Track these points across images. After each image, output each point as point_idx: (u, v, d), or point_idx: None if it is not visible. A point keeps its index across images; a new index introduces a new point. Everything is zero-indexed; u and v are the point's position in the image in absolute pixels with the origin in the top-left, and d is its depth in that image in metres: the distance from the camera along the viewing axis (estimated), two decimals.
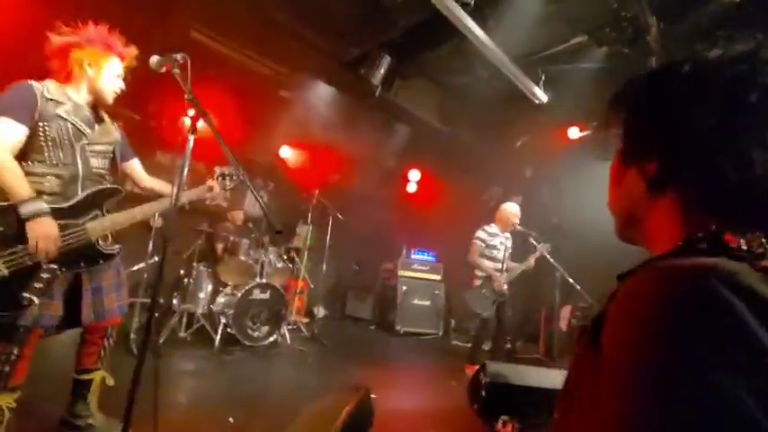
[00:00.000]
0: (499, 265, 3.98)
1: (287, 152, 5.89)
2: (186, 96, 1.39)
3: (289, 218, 5.53)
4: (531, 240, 4.04)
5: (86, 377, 1.87)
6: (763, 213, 0.44)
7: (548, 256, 3.94)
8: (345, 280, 6.97)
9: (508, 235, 4.12)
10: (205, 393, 2.79)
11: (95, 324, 1.80)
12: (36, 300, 1.53)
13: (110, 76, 1.76)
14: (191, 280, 4.06)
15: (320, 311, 5.70)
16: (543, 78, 3.89)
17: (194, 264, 4.13)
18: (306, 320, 5.29)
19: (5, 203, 1.52)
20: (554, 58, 3.79)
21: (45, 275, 1.55)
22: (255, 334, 3.90)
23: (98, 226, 1.72)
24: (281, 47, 3.78)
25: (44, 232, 1.51)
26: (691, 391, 0.32)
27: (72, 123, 1.66)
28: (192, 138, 1.38)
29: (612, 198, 0.61)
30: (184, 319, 4.01)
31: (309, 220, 5.37)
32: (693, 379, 0.33)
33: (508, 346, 4.35)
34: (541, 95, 3.95)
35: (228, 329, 3.78)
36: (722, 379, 0.32)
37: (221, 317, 3.83)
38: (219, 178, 1.95)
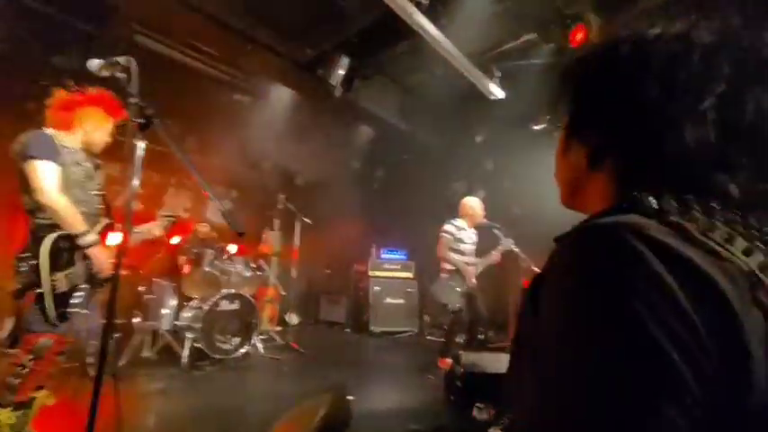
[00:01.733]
0: (467, 258, 4.06)
1: (247, 158, 5.72)
2: (131, 100, 1.32)
3: (255, 225, 5.39)
4: (496, 232, 4.15)
5: (31, 395, 1.85)
6: (693, 182, 0.46)
7: (515, 249, 4.06)
8: (317, 284, 6.88)
9: (474, 230, 4.22)
10: (175, 412, 2.66)
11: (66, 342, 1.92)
12: (76, 312, 1.84)
13: (103, 134, 2.07)
14: (151, 296, 3.88)
15: (293, 318, 5.59)
16: (499, 75, 4.01)
17: (154, 279, 3.94)
18: (278, 329, 5.17)
19: (63, 233, 1.80)
20: (507, 55, 3.92)
21: (81, 293, 1.88)
22: (226, 347, 3.77)
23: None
24: (235, 50, 3.68)
25: (104, 255, 1.90)
26: (611, 330, 0.35)
27: (83, 167, 1.97)
28: (139, 145, 1.31)
29: (558, 168, 0.64)
30: (148, 338, 3.82)
31: (277, 227, 5.27)
32: (612, 318, 0.36)
33: (481, 336, 4.44)
34: (497, 92, 4.07)
35: (196, 344, 3.63)
36: (638, 314, 0.34)
37: (188, 332, 3.67)
38: (162, 218, 2.34)
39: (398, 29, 3.21)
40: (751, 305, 0.35)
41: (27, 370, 1.73)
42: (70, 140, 1.96)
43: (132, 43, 3.54)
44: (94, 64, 1.47)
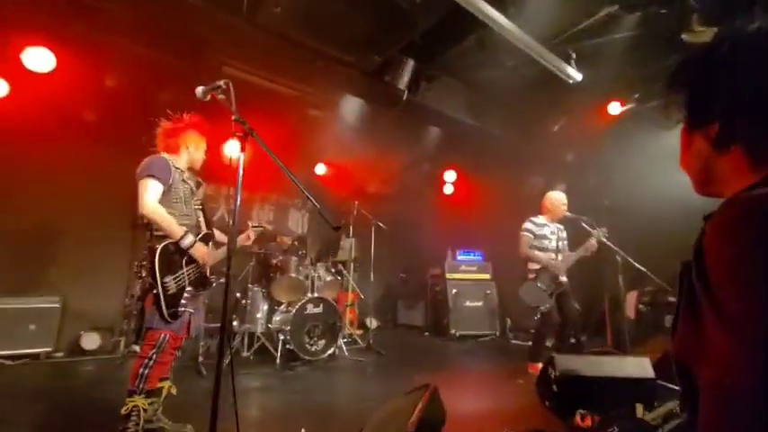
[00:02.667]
0: (552, 255, 3.81)
1: (322, 169, 6.03)
2: (234, 117, 1.48)
3: (331, 232, 5.62)
4: (584, 225, 3.83)
5: (158, 385, 2.15)
6: None
7: (605, 241, 3.71)
8: (394, 289, 6.96)
9: (561, 226, 3.95)
10: (274, 407, 2.86)
11: (180, 338, 2.21)
12: (181, 312, 2.08)
13: (201, 152, 2.38)
14: (247, 301, 4.23)
15: (372, 322, 5.71)
16: (574, 57, 3.73)
17: (249, 285, 4.30)
18: (359, 332, 5.31)
19: (169, 241, 2.06)
20: (583, 34, 3.64)
21: (187, 295, 2.12)
22: (313, 348, 3.97)
23: (211, 260, 2.28)
24: (306, 67, 3.91)
25: (203, 250, 2.17)
26: None
27: (189, 185, 2.28)
28: (242, 157, 1.45)
29: (684, 161, 0.71)
30: (245, 340, 4.17)
31: (351, 233, 5.45)
32: None
33: (572, 340, 4.10)
34: (575, 74, 3.79)
35: (288, 346, 3.88)
36: None
37: (279, 334, 3.94)
38: (253, 227, 2.66)
39: (464, 24, 3.16)
40: None
41: (153, 361, 2.02)
42: (178, 162, 2.26)
43: (220, 73, 3.95)
44: (200, 90, 1.67)
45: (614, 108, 4.43)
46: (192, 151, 2.32)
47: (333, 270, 4.80)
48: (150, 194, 2.02)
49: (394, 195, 6.84)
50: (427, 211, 6.88)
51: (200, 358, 3.65)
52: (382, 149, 5.85)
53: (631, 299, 4.50)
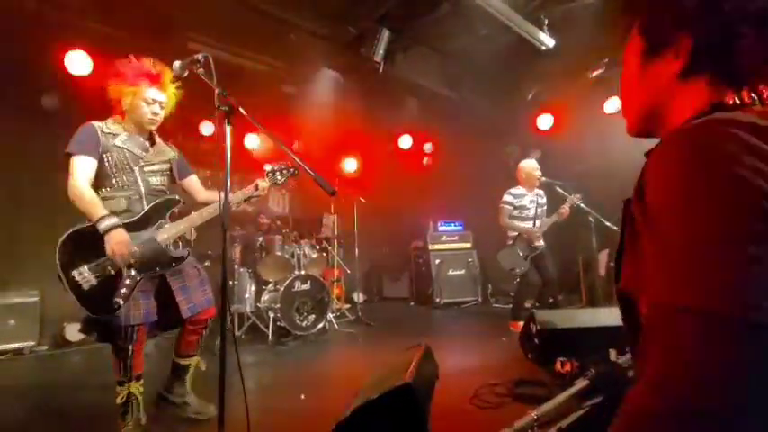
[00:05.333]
0: (530, 224, 3.98)
1: (298, 147, 5.95)
2: (217, 92, 1.45)
3: (313, 210, 5.63)
4: (559, 190, 4.00)
5: (186, 362, 2.11)
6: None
7: (580, 204, 3.90)
8: (378, 263, 7.08)
9: (540, 192, 4.11)
10: (272, 379, 2.95)
11: (195, 317, 2.03)
12: (122, 303, 1.79)
13: (141, 106, 1.93)
14: (235, 282, 4.25)
15: (359, 296, 5.83)
16: (546, 23, 3.78)
17: (236, 267, 4.30)
18: (347, 306, 5.43)
19: (88, 225, 1.81)
20: (555, 1, 3.68)
21: (127, 281, 1.82)
22: (304, 323, 4.05)
23: (165, 233, 1.95)
24: (278, 41, 3.80)
25: (117, 239, 1.77)
26: (728, 189, 0.43)
27: (128, 150, 1.93)
28: (229, 129, 1.44)
29: (633, 95, 0.66)
30: (236, 320, 4.21)
31: (333, 209, 5.47)
32: (728, 182, 0.43)
33: (551, 300, 4.35)
34: (547, 40, 3.85)
35: (278, 323, 3.94)
36: (745, 177, 0.42)
37: (269, 312, 4.00)
38: (270, 174, 2.15)
39: None
40: None
41: (130, 352, 1.85)
42: (127, 124, 1.95)
43: (187, 50, 3.79)
44: (177, 66, 1.62)
45: (586, 74, 4.53)
46: (126, 109, 1.92)
47: (318, 247, 4.84)
48: (75, 176, 1.78)
49: (374, 169, 6.85)
50: (408, 184, 6.94)
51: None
52: (359, 123, 5.81)
53: (603, 257, 4.75)
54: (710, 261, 0.41)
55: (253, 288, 4.43)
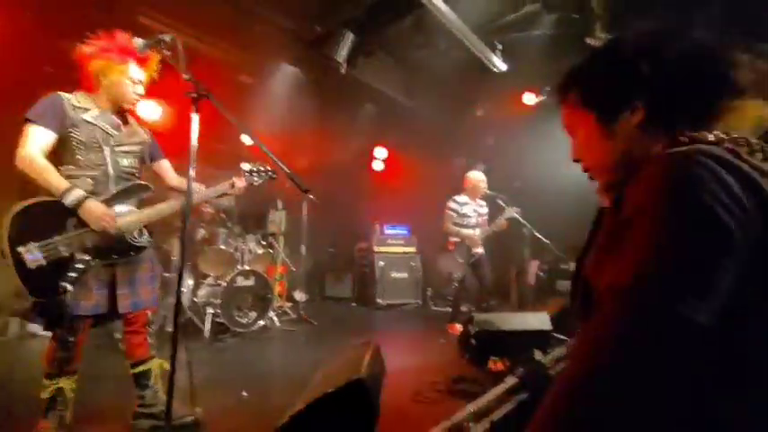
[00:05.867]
0: (471, 231, 4.25)
1: (250, 140, 5.76)
2: (184, 77, 1.41)
3: (261, 205, 5.48)
4: (500, 202, 4.32)
5: (143, 368, 1.94)
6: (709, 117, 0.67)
7: (518, 217, 4.24)
8: (322, 262, 7.03)
9: (482, 203, 4.39)
10: (209, 377, 2.82)
11: (133, 315, 1.88)
12: (69, 287, 1.64)
13: (125, 84, 1.83)
14: (171, 274, 4.00)
15: (301, 295, 5.77)
16: (500, 47, 4.07)
17: (172, 259, 4.06)
18: (289, 304, 5.34)
19: (42, 199, 1.66)
20: (508, 27, 3.98)
21: (78, 266, 1.68)
22: (244, 320, 3.94)
23: (130, 219, 1.82)
24: (240, 28, 3.68)
25: (99, 210, 1.68)
26: (691, 212, 0.53)
27: (100, 127, 1.79)
28: (196, 117, 1.40)
29: (602, 155, 0.76)
30: (169, 314, 3.96)
31: (282, 206, 5.37)
32: (692, 205, 0.53)
33: (484, 305, 4.66)
34: (500, 64, 4.15)
35: (217, 319, 3.79)
36: (706, 201, 0.51)
37: (208, 307, 3.83)
38: (248, 174, 2.06)
39: (404, 3, 3.25)
40: None
41: (71, 344, 1.74)
42: (100, 100, 1.83)
43: (136, 24, 3.54)
44: (140, 43, 1.53)
45: (529, 98, 4.94)
46: (108, 85, 1.80)
47: (263, 243, 4.73)
48: (28, 144, 1.64)
49: (325, 169, 6.81)
50: (357, 187, 7.00)
51: (117, 335, 3.40)
52: (316, 122, 5.77)
53: (533, 267, 5.19)
54: (667, 263, 0.52)
55: (190, 281, 4.21)
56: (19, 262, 1.59)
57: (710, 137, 0.63)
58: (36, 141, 1.65)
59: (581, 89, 0.76)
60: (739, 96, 0.67)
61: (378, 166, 7.10)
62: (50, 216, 1.66)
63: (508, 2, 3.73)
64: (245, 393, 2.36)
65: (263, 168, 2.10)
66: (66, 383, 1.74)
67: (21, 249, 1.59)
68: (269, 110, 4.81)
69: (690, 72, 0.66)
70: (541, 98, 4.94)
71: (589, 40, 3.49)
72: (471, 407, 1.93)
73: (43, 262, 1.62)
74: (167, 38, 1.47)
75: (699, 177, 0.53)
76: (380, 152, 6.99)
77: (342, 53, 3.72)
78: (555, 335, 3.10)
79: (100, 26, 1.95)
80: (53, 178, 1.64)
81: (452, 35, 3.75)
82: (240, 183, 2.03)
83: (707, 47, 0.66)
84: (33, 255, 1.60)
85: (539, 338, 2.98)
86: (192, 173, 1.40)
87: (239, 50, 4.06)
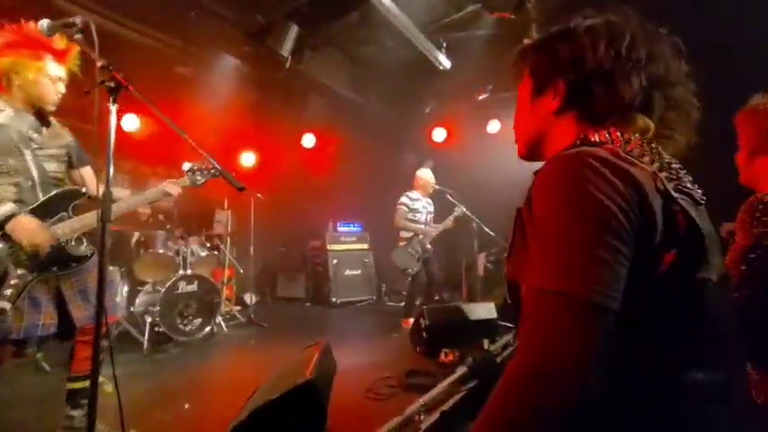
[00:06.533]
0: (421, 227, 4.33)
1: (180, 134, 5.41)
2: (99, 64, 1.27)
3: (204, 204, 5.19)
4: (449, 198, 4.43)
5: (79, 384, 1.74)
6: (624, 120, 0.71)
7: (467, 212, 4.38)
8: (273, 263, 6.82)
9: (430, 201, 4.48)
10: (149, 392, 2.63)
11: (90, 327, 1.69)
12: (7, 307, 1.48)
13: (43, 83, 1.65)
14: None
15: (251, 298, 5.55)
16: (445, 45, 4.16)
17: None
18: (238, 308, 5.12)
19: None
20: (453, 26, 4.07)
21: (14, 281, 1.52)
22: (188, 328, 3.71)
23: (66, 228, 1.67)
24: (176, 17, 3.43)
25: (28, 227, 1.52)
26: (581, 202, 0.57)
27: (14, 129, 1.61)
28: (114, 108, 1.27)
29: (523, 125, 0.83)
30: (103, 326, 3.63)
31: (227, 205, 5.12)
32: (582, 197, 0.58)
33: (437, 297, 4.78)
34: (445, 62, 4.23)
35: (156, 328, 3.54)
36: (593, 193, 0.56)
37: (146, 316, 3.56)
38: (190, 174, 1.90)
39: None
40: (653, 188, 0.60)
41: None
42: (12, 101, 1.65)
43: (52, 8, 3.18)
44: (45, 25, 1.36)
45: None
46: (20, 84, 1.62)
47: (208, 245, 4.48)
48: None
49: (273, 165, 6.60)
50: (308, 184, 6.85)
51: (39, 354, 3.06)
52: (260, 116, 5.55)
53: (481, 259, 5.39)
54: (570, 256, 0.55)
55: (125, 289, 3.89)
56: None
57: (597, 137, 0.67)
58: None
59: (532, 55, 0.81)
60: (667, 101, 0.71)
61: (325, 161, 7.00)
62: None
63: (452, 2, 3.81)
64: (186, 406, 2.22)
65: (205, 167, 1.93)
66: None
67: None
68: (208, 103, 4.55)
69: (612, 69, 0.69)
70: (486, 95, 5.12)
71: (526, 41, 3.67)
72: (423, 399, 1.97)
73: None
74: (78, 20, 1.31)
75: (582, 174, 0.58)
76: (330, 148, 6.90)
77: (286, 46, 3.60)
78: (502, 323, 3.25)
79: (7, 9, 1.73)
80: None
81: (398, 32, 3.76)
82: (173, 188, 1.88)
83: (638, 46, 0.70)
84: None
85: (487, 328, 3.09)
86: (110, 172, 1.26)
87: (175, 39, 3.78)
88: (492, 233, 4.41)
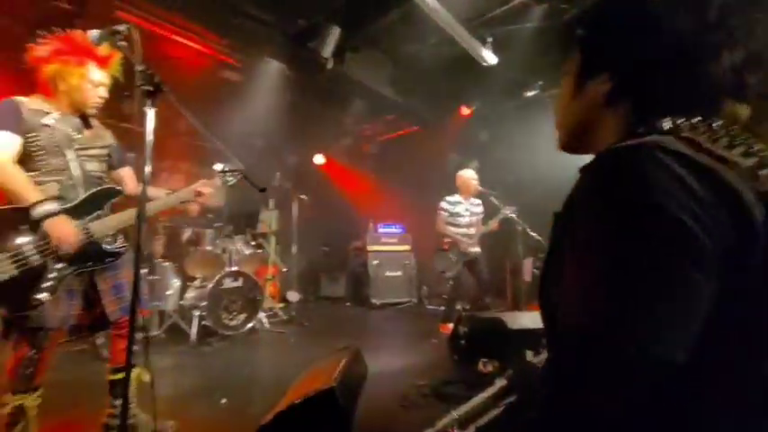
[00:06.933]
0: (463, 230, 4.18)
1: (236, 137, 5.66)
2: (139, 68, 1.32)
3: (251, 204, 5.39)
4: (493, 200, 4.24)
5: (120, 375, 1.81)
6: (703, 107, 0.54)
7: (513, 216, 4.18)
8: (316, 262, 6.96)
9: (476, 201, 4.31)
10: (191, 384, 2.75)
11: (123, 320, 1.80)
12: (45, 299, 1.57)
13: (86, 89, 1.75)
14: (155, 277, 3.91)
15: (294, 296, 5.69)
16: (490, 41, 3.98)
17: (156, 261, 3.97)
18: (281, 305, 5.27)
19: (10, 206, 1.59)
20: (498, 20, 3.89)
21: (53, 274, 1.60)
22: (233, 323, 3.85)
23: (102, 225, 1.76)
24: (221, 23, 3.58)
25: (62, 228, 1.59)
26: (645, 218, 0.43)
27: (60, 130, 1.71)
28: (151, 112, 1.31)
29: (566, 111, 0.68)
30: (155, 318, 3.88)
31: (273, 205, 5.29)
32: (646, 210, 0.43)
33: (480, 302, 4.59)
34: (490, 58, 4.06)
35: (204, 322, 3.71)
36: (662, 203, 0.42)
37: (194, 310, 3.74)
38: (221, 174, 1.96)
39: None
40: (749, 191, 0.44)
41: (35, 360, 1.65)
42: (59, 105, 1.75)
43: (114, 20, 3.44)
44: (95, 35, 1.45)
45: (525, 92, 4.87)
46: (65, 90, 1.71)
47: (252, 243, 4.64)
48: None
49: (316, 167, 6.74)
50: (350, 185, 6.92)
51: (98, 340, 3.32)
52: (303, 119, 5.68)
53: (528, 264, 5.12)
54: (620, 291, 0.42)
55: (177, 284, 4.12)
56: None
57: (665, 124, 0.52)
58: (7, 148, 1.59)
59: (585, 25, 0.66)
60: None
61: (370, 162, 7.04)
62: (21, 224, 1.58)
63: None
64: (224, 401, 2.28)
65: (236, 167, 1.99)
66: (28, 400, 1.64)
67: None
68: (254, 105, 4.73)
69: (694, 43, 0.54)
70: (535, 91, 4.85)
71: (580, 32, 3.41)
72: (457, 412, 1.86)
73: (15, 273, 1.53)
74: (123, 28, 1.38)
75: (645, 174, 0.43)
76: (373, 148, 6.92)
77: (328, 48, 3.62)
78: None
79: (74, 22, 1.86)
80: (25, 189, 1.58)
81: (441, 29, 3.65)
82: (205, 188, 1.92)
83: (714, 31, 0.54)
84: (3, 266, 1.50)
85: (531, 338, 2.90)
86: (147, 172, 1.30)
87: (221, 46, 3.97)
88: (539, 237, 4.16)
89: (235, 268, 4.02)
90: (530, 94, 4.78)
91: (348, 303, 6.24)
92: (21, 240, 1.57)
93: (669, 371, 0.40)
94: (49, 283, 1.59)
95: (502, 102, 5.22)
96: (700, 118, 0.52)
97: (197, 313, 3.71)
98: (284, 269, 5.25)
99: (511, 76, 4.72)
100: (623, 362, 0.41)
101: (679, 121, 0.52)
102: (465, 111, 5.28)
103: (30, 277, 1.56)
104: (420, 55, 4.43)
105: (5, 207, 1.60)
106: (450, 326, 3.79)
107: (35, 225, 1.59)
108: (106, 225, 1.76)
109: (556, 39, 3.59)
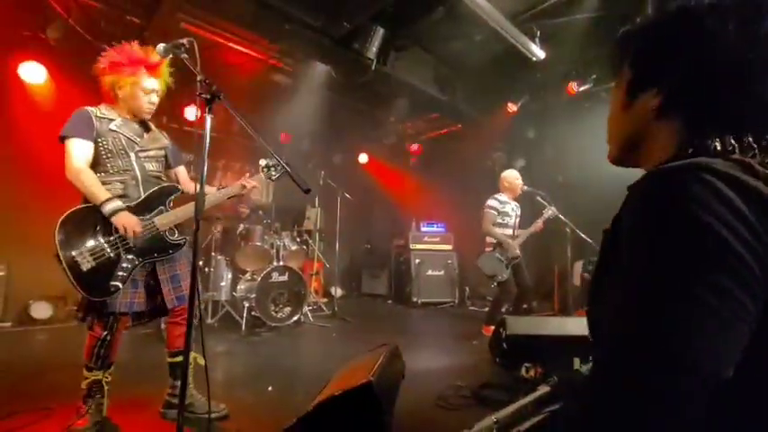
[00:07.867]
0: (510, 231, 4.04)
1: (288, 138, 5.91)
2: (199, 78, 1.44)
3: (297, 202, 5.61)
4: (539, 199, 4.09)
5: (175, 359, 2.05)
6: (755, 125, 0.53)
7: (559, 215, 4.00)
8: (358, 259, 7.10)
9: (517, 203, 4.17)
10: (241, 370, 2.95)
11: (179, 308, 2.00)
12: (121, 287, 1.78)
13: (139, 96, 1.94)
14: (211, 269, 4.20)
15: (337, 291, 5.85)
16: (538, 34, 3.84)
17: (212, 254, 4.25)
18: (324, 300, 5.44)
19: (85, 206, 1.81)
20: (547, 13, 3.73)
21: (125, 265, 1.82)
22: (279, 315, 4.05)
23: (164, 219, 1.94)
24: (272, 29, 3.75)
25: (127, 221, 1.80)
26: (692, 237, 0.43)
27: (124, 135, 1.92)
28: (209, 118, 1.43)
29: (616, 124, 0.68)
30: (210, 308, 4.17)
31: (318, 203, 5.46)
32: (693, 229, 0.43)
33: (524, 306, 4.44)
34: (538, 52, 3.91)
35: (253, 313, 3.93)
36: (710, 224, 0.42)
37: (245, 302, 3.97)
38: (266, 170, 2.09)
39: None
40: None
41: (108, 341, 1.84)
42: (120, 111, 1.95)
43: (179, 30, 3.72)
44: (161, 48, 1.61)
45: (574, 87, 4.62)
46: (123, 97, 1.92)
47: (298, 239, 4.83)
48: (73, 158, 1.79)
49: (360, 166, 6.86)
50: (393, 183, 6.97)
51: (163, 325, 3.63)
52: (348, 119, 5.80)
53: (577, 268, 4.88)
54: (666, 310, 0.43)
55: (229, 276, 4.40)
56: (73, 266, 1.72)
57: (716, 145, 0.52)
58: (79, 154, 1.81)
59: (635, 41, 0.65)
60: None
61: (414, 161, 7.03)
62: (95, 221, 1.80)
63: None
64: (270, 388, 2.41)
65: (279, 163, 2.06)
66: (103, 376, 1.86)
67: (74, 253, 1.73)
68: (302, 107, 4.91)
69: (746, 58, 0.53)
70: (587, 86, 4.60)
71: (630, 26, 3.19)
72: (495, 416, 1.83)
73: (94, 264, 1.75)
74: (185, 41, 1.53)
75: (695, 196, 0.44)
76: (415, 147, 6.91)
77: (372, 49, 3.67)
78: None
79: (146, 38, 2.05)
80: (97, 189, 1.80)
81: (486, 25, 3.57)
82: (250, 183, 2.07)
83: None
84: (85, 257, 1.74)
85: (578, 345, 2.77)
86: (203, 172, 1.41)
87: (271, 51, 4.17)
88: (590, 239, 3.95)
89: (282, 263, 4.21)
90: (581, 88, 4.53)
91: (389, 301, 6.30)
92: (96, 235, 1.79)
93: (717, 386, 0.41)
94: (122, 273, 1.80)
95: (550, 97, 5.00)
96: (752, 138, 0.52)
97: (247, 304, 3.94)
98: (327, 265, 5.40)
99: (560, 71, 4.51)
100: (678, 375, 0.42)
101: (730, 140, 0.52)
102: (512, 107, 5.11)
103: (107, 268, 1.78)
104: (465, 52, 4.36)
105: (81, 206, 1.82)
106: (493, 328, 3.71)
107: (107, 222, 1.80)
108: (169, 219, 1.94)
109: (612, 29, 3.38)
